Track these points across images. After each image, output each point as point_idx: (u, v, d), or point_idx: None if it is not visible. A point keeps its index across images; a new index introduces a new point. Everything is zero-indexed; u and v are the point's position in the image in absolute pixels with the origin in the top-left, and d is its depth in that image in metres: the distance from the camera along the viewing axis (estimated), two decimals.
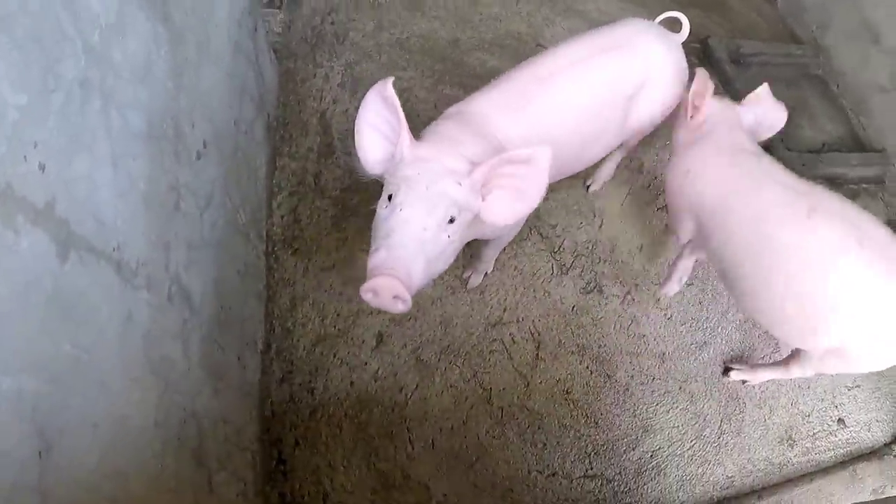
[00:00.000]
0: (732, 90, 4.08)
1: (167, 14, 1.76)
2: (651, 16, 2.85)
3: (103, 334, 1.31)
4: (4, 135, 1.02)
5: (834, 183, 3.85)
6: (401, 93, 3.47)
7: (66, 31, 1.22)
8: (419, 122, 3.39)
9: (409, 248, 1.80)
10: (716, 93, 3.98)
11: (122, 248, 1.40)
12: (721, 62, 4.20)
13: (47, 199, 1.12)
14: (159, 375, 1.58)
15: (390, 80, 1.96)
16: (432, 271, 1.90)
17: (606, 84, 2.49)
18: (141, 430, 1.48)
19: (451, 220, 1.89)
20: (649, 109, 2.69)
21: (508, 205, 2.00)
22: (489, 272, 3.03)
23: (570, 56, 2.46)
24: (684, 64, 2.76)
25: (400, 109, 1.94)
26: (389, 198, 1.90)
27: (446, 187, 1.87)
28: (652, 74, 2.61)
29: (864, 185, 3.97)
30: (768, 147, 3.73)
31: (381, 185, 2.01)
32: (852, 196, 3.84)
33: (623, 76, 2.53)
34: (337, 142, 3.27)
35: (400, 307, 1.78)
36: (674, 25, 2.84)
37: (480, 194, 1.97)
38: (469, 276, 2.97)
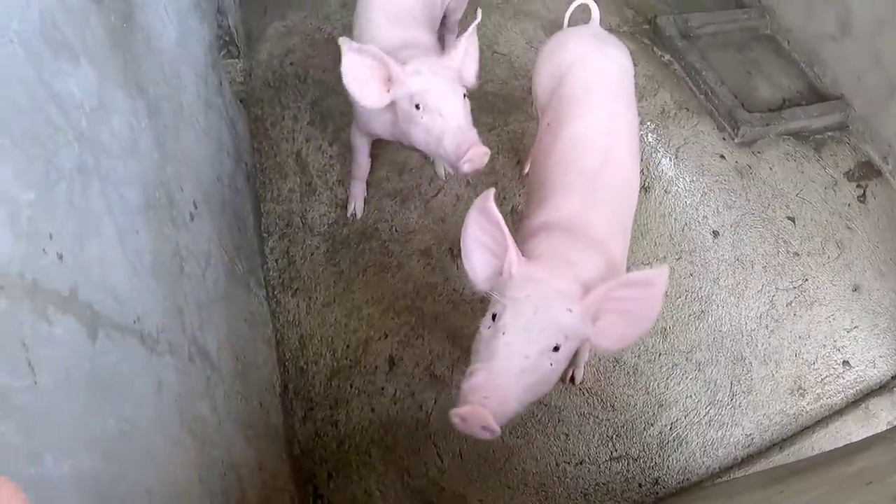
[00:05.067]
0: (686, 64, 4.17)
1: (141, 87, 1.82)
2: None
3: (141, 404, 1.37)
4: (23, 232, 1.07)
5: (799, 136, 3.97)
6: None
7: (57, 123, 1.27)
8: (390, 147, 3.47)
9: (507, 376, 1.71)
10: (670, 68, 4.10)
11: (142, 320, 1.46)
12: (672, 39, 4.29)
13: (70, 285, 1.18)
14: (195, 434, 1.63)
15: (491, 192, 1.86)
16: (530, 398, 1.80)
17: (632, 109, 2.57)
18: (188, 488, 1.54)
19: (556, 349, 1.77)
20: None
21: (621, 329, 1.88)
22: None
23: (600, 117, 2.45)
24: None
25: (504, 226, 1.85)
26: (494, 317, 1.81)
27: (556, 314, 1.76)
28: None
29: (829, 133, 4.05)
30: (730, 113, 3.84)
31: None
32: (819, 146, 3.95)
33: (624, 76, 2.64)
34: (316, 179, 3.33)
35: (487, 436, 1.70)
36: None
37: (592, 320, 1.84)
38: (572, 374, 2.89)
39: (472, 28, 2.56)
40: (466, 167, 2.35)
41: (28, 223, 1.09)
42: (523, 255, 1.91)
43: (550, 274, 1.84)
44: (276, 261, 3.07)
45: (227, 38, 3.34)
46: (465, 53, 2.53)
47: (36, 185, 1.14)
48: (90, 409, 1.17)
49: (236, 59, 3.45)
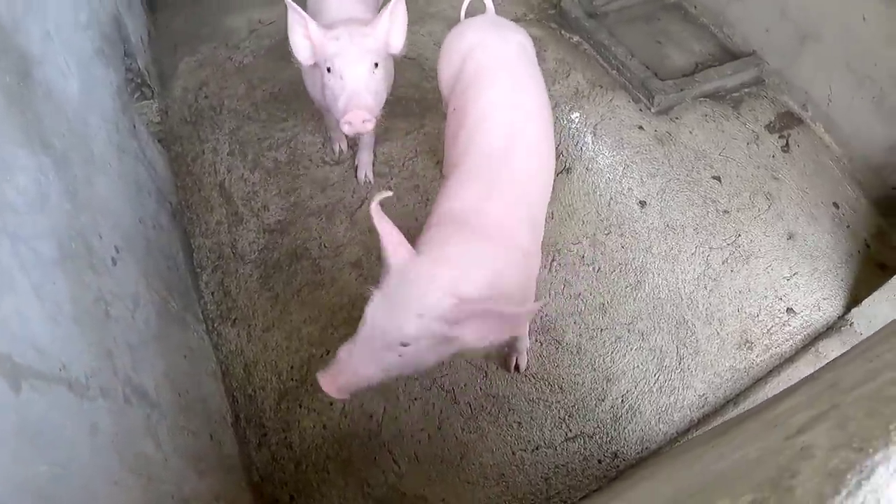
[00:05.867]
0: (595, 43, 4.27)
1: (46, 142, 1.83)
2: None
3: (74, 449, 1.39)
4: None
5: (716, 97, 4.06)
6: (287, 141, 3.58)
7: None
8: (311, 165, 3.50)
9: (360, 359, 1.91)
10: (580, 49, 4.15)
11: (69, 367, 1.47)
12: (579, 20, 4.37)
13: None
14: (140, 473, 1.65)
15: (381, 195, 2.03)
16: (393, 373, 1.98)
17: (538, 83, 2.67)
18: None
19: (405, 344, 1.87)
20: None
21: (483, 333, 1.91)
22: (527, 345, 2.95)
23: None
24: None
25: (380, 219, 1.98)
26: None
27: (401, 321, 1.84)
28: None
29: (746, 90, 4.14)
30: (644, 84, 3.91)
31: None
32: (737, 103, 4.03)
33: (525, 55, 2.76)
34: (242, 208, 3.36)
35: (337, 396, 1.97)
36: None
37: (453, 323, 1.86)
38: (516, 362, 2.91)
39: None
40: (346, 128, 2.61)
41: None
42: (417, 248, 2.02)
43: (417, 274, 1.90)
44: (212, 294, 3.08)
45: (138, 81, 3.34)
46: (391, 20, 2.72)
47: None
48: (18, 459, 1.19)
49: (151, 100, 3.45)
